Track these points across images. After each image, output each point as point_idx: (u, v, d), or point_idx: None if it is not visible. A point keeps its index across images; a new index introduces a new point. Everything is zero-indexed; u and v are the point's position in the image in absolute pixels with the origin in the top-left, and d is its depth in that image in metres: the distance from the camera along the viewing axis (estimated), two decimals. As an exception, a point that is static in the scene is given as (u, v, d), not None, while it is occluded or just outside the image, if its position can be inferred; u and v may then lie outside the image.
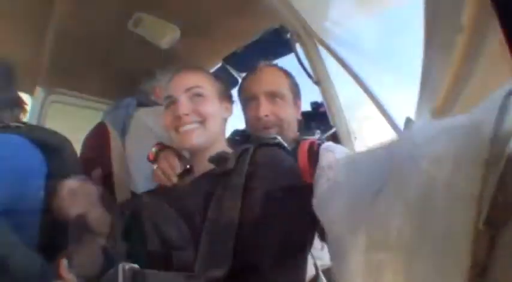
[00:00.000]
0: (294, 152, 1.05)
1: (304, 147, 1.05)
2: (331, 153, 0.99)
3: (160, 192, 1.02)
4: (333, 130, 1.58)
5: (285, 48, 1.67)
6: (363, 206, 0.57)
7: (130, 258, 0.78)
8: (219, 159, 0.89)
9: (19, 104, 1.18)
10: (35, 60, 1.47)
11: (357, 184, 0.64)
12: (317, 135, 1.23)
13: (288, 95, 1.19)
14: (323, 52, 1.61)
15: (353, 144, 1.59)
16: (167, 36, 1.54)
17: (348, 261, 0.57)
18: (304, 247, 0.89)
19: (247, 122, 1.22)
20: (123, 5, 1.44)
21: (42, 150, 1.04)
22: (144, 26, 1.50)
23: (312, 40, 1.60)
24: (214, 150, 0.94)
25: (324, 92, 1.60)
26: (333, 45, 1.57)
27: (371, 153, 0.67)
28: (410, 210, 0.44)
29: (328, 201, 0.76)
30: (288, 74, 1.25)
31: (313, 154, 1.01)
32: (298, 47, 1.64)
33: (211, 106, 0.98)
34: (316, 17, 1.55)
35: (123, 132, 1.41)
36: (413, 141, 0.50)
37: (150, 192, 1.05)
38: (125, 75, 1.66)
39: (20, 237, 0.92)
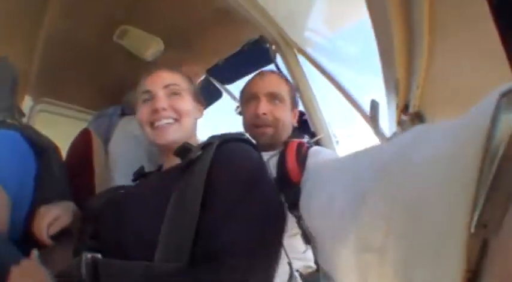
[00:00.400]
0: (282, 153, 1.08)
1: (292, 146, 1.07)
2: (320, 155, 1.02)
3: (131, 187, 1.04)
4: (319, 137, 1.61)
5: (266, 58, 1.71)
6: (352, 207, 0.57)
7: (100, 251, 0.79)
8: (182, 150, 0.90)
9: (19, 110, 1.24)
10: (24, 69, 1.51)
11: (345, 185, 0.64)
12: (305, 140, 1.25)
13: (287, 100, 1.24)
14: (302, 60, 1.66)
15: (335, 148, 1.62)
16: (151, 48, 1.58)
17: (337, 262, 0.58)
18: (270, 241, 0.84)
19: (244, 118, 1.27)
20: (110, 17, 1.49)
21: (32, 147, 1.08)
22: (129, 38, 1.55)
23: (291, 49, 1.65)
24: None
25: (303, 99, 1.64)
26: (312, 53, 1.63)
27: (360, 154, 0.67)
28: (399, 211, 0.44)
29: (315, 202, 0.78)
30: (288, 82, 1.32)
31: (302, 155, 1.04)
32: (278, 57, 1.69)
33: (187, 104, 1.01)
34: (294, 26, 1.61)
35: (106, 139, 1.43)
36: (405, 143, 0.50)
37: (122, 187, 1.06)
38: (112, 86, 1.70)
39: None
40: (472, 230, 0.34)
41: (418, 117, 0.92)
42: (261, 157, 0.95)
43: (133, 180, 1.10)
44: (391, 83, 0.97)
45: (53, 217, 0.93)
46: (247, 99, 1.26)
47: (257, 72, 1.35)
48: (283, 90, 1.24)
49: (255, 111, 1.18)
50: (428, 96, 0.88)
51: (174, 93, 1.00)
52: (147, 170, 1.13)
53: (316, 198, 0.78)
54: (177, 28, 1.60)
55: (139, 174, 1.10)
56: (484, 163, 0.34)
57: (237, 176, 0.82)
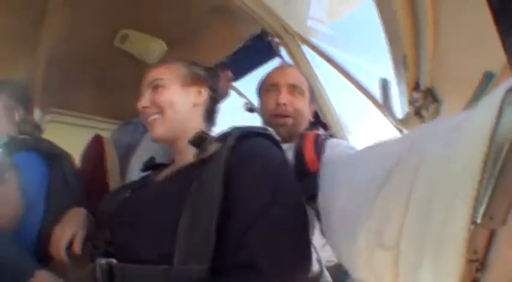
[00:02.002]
0: (299, 145, 1.06)
1: (310, 138, 1.06)
2: (337, 148, 1.00)
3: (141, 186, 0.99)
4: (333, 130, 1.59)
5: (269, 52, 1.71)
6: (364, 203, 0.56)
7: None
8: (198, 139, 0.86)
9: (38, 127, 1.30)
10: (30, 81, 1.52)
11: (360, 180, 0.63)
12: (321, 132, 1.24)
13: (306, 94, 1.24)
14: (307, 51, 1.64)
15: (347, 138, 1.59)
16: (153, 50, 1.58)
17: (352, 257, 0.58)
18: (302, 243, 0.80)
19: (263, 107, 1.26)
20: (110, 22, 1.49)
21: (46, 157, 1.13)
22: (131, 42, 1.55)
23: (294, 40, 1.63)
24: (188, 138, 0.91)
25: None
26: (316, 42, 1.61)
27: (374, 148, 0.68)
28: (410, 207, 0.44)
29: (332, 196, 0.77)
30: (307, 79, 1.32)
31: (319, 146, 1.02)
32: (282, 49, 1.68)
33: (169, 94, 0.96)
34: (295, 16, 1.59)
35: (129, 146, 1.42)
36: (418, 138, 0.51)
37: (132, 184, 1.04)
38: (118, 92, 1.70)
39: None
40: (479, 221, 0.36)
41: (430, 94, 0.89)
42: (284, 155, 0.90)
43: (143, 171, 1.08)
44: (400, 60, 0.94)
45: (69, 237, 0.89)
46: (267, 89, 1.26)
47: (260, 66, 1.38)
48: (303, 84, 1.25)
49: (276, 101, 1.19)
50: (438, 71, 0.86)
51: (156, 87, 0.96)
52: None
53: (332, 193, 0.77)
54: (177, 29, 1.59)
55: (150, 166, 1.08)
56: (488, 158, 0.35)
57: (260, 179, 0.78)
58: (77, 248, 0.87)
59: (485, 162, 0.35)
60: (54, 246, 0.88)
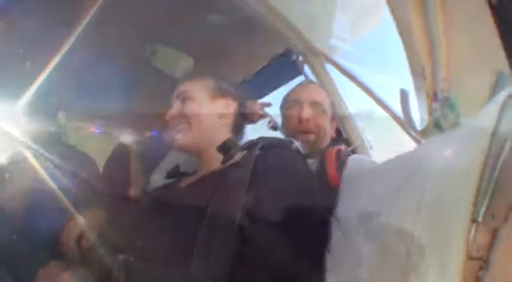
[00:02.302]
0: (322, 161, 1.08)
1: (332, 154, 1.07)
2: (358, 165, 1.01)
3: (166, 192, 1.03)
4: (356, 145, 1.58)
5: (294, 70, 1.73)
6: (384, 204, 0.58)
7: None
8: (225, 146, 0.90)
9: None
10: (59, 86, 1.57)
11: (380, 186, 0.65)
12: (343, 148, 1.25)
13: (328, 110, 1.27)
14: (332, 69, 1.66)
15: (369, 153, 1.58)
16: (181, 66, 1.63)
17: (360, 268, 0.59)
18: (322, 255, 0.80)
19: (286, 124, 1.28)
20: (139, 37, 1.57)
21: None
22: (159, 57, 1.61)
23: (319, 59, 1.66)
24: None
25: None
26: (340, 60, 1.62)
27: (389, 163, 0.71)
28: (422, 215, 0.45)
29: (353, 202, 0.80)
30: (329, 96, 1.36)
31: (341, 162, 1.03)
32: (305, 67, 1.70)
33: (196, 106, 0.99)
34: (320, 35, 1.62)
35: (154, 158, 1.46)
36: (429, 148, 0.55)
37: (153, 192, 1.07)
38: (146, 103, 1.74)
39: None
40: (480, 219, 0.37)
41: (448, 103, 0.89)
42: (308, 166, 0.93)
43: (167, 178, 1.10)
44: (418, 72, 0.95)
45: (80, 230, 0.94)
46: (289, 106, 1.28)
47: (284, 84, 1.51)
48: (325, 102, 1.27)
49: (299, 116, 1.20)
50: (454, 79, 0.86)
51: (185, 99, 1.00)
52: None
53: (350, 205, 0.80)
54: (203, 46, 1.65)
55: (174, 174, 1.10)
56: (488, 159, 0.37)
57: (283, 189, 0.79)
58: (86, 240, 0.91)
59: (485, 164, 0.37)
60: (65, 237, 0.93)
